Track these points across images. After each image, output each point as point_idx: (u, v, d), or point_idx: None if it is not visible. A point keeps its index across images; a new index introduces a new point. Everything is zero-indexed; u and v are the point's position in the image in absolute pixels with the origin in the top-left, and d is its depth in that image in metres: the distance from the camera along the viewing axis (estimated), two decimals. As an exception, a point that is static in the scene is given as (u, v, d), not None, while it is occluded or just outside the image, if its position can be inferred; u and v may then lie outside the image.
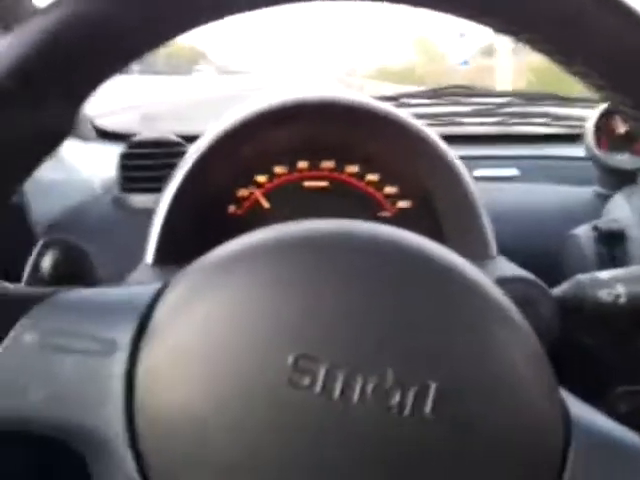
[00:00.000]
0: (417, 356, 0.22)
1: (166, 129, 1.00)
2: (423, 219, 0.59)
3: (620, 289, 0.39)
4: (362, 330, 0.22)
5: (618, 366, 0.41)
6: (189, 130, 0.99)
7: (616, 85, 0.24)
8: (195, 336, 0.23)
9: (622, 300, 0.39)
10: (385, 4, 0.25)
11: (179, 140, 0.74)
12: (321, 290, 0.23)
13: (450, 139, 1.14)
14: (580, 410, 0.24)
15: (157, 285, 0.25)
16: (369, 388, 0.21)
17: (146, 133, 0.83)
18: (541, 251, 0.67)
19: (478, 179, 0.95)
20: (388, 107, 0.57)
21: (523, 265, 0.56)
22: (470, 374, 0.22)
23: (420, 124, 0.56)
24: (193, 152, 0.56)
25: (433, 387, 0.22)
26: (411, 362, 0.22)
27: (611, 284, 0.40)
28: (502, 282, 0.43)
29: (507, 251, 0.59)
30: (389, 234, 0.26)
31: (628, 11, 0.23)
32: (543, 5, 0.23)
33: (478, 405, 0.22)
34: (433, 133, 0.56)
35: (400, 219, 0.60)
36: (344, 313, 0.22)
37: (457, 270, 0.24)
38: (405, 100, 1.10)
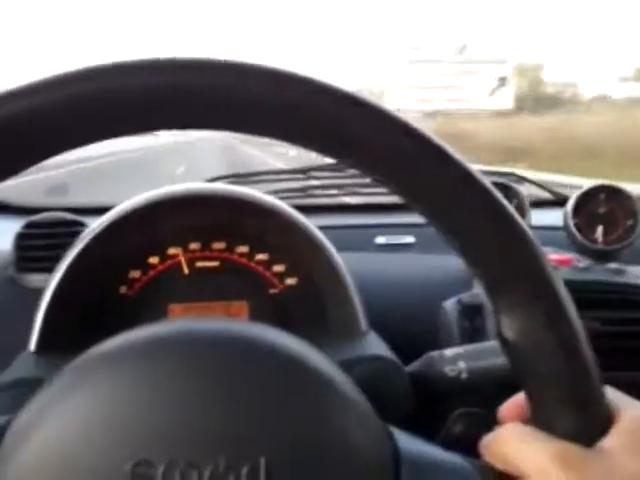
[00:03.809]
0: (243, 438, 0.25)
1: (71, 201, 1.01)
2: (308, 295, 0.63)
3: (462, 365, 0.45)
4: (192, 426, 0.25)
5: (457, 400, 0.46)
6: (94, 202, 1.01)
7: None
8: (35, 459, 0.25)
9: (464, 375, 0.44)
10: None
11: (76, 219, 0.76)
12: (151, 395, 0.25)
13: (352, 208, 1.22)
14: (408, 443, 0.29)
15: (2, 419, 0.27)
16: (205, 477, 0.24)
17: (48, 208, 0.84)
18: (421, 321, 0.72)
19: (378, 247, 1.03)
20: (269, 199, 0.61)
21: (405, 334, 0.61)
22: (294, 442, 0.25)
23: (299, 215, 0.61)
24: (86, 234, 0.59)
25: (262, 463, 0.24)
26: (239, 445, 0.25)
27: (454, 361, 0.45)
28: (359, 361, 0.48)
29: (394, 320, 0.64)
30: (215, 328, 0.29)
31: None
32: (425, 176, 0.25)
33: (308, 468, 0.25)
34: (309, 222, 0.61)
35: (288, 295, 0.64)
36: (173, 413, 0.25)
37: (275, 349, 0.28)
38: (311, 173, 1.17)
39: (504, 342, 0.27)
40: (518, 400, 0.31)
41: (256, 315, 0.62)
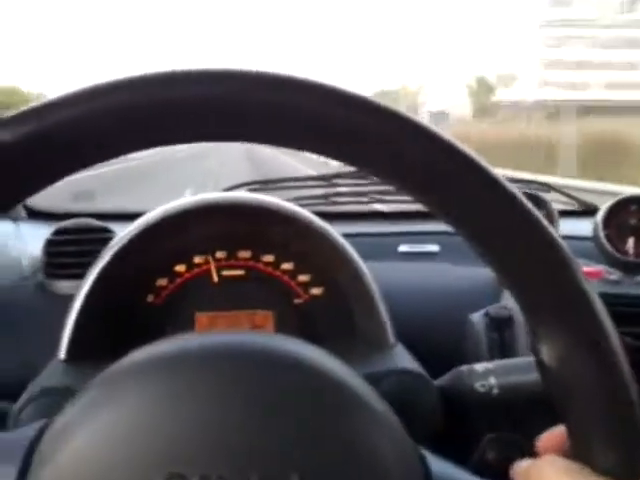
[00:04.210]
0: (277, 454, 0.25)
1: (98, 207, 1.02)
2: (334, 305, 0.62)
3: (492, 381, 0.44)
4: (223, 441, 0.25)
5: (487, 416, 0.45)
6: (121, 208, 1.02)
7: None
8: (71, 467, 0.25)
9: (495, 391, 0.44)
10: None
11: (104, 226, 0.77)
12: (181, 409, 0.25)
13: (376, 216, 1.22)
14: (440, 467, 0.28)
15: (37, 425, 0.28)
16: None
17: (76, 214, 0.85)
18: (446, 333, 0.71)
19: (401, 255, 1.02)
20: (294, 207, 0.61)
21: (430, 347, 0.60)
22: (328, 459, 0.25)
23: (324, 224, 0.61)
24: (115, 242, 0.59)
25: (296, 479, 0.24)
26: (271, 461, 0.25)
27: (485, 376, 0.44)
28: (388, 374, 0.47)
29: (418, 332, 0.63)
30: (247, 343, 0.28)
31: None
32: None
33: None
34: (333, 230, 0.61)
35: (313, 305, 0.63)
36: (204, 428, 0.25)
37: (300, 362, 0.27)
38: (334, 180, 1.17)
39: (542, 368, 0.26)
40: (557, 431, 0.31)
41: (281, 325, 0.62)
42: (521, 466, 0.28)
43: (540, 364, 0.26)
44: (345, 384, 0.28)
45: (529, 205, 0.25)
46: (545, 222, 0.25)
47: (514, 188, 0.25)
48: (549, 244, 0.25)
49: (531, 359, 0.46)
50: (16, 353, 0.69)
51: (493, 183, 0.25)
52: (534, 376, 0.43)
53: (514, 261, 0.25)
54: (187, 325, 0.61)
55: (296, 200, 0.92)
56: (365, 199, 1.15)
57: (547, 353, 0.25)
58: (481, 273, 0.88)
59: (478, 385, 0.44)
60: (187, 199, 0.61)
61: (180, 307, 0.61)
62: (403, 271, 0.94)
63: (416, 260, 1.00)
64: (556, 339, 0.25)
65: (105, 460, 0.25)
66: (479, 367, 0.45)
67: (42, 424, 0.28)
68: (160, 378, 0.26)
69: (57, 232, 0.75)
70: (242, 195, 0.65)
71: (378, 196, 1.15)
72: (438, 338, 0.72)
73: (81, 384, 0.28)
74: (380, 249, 0.98)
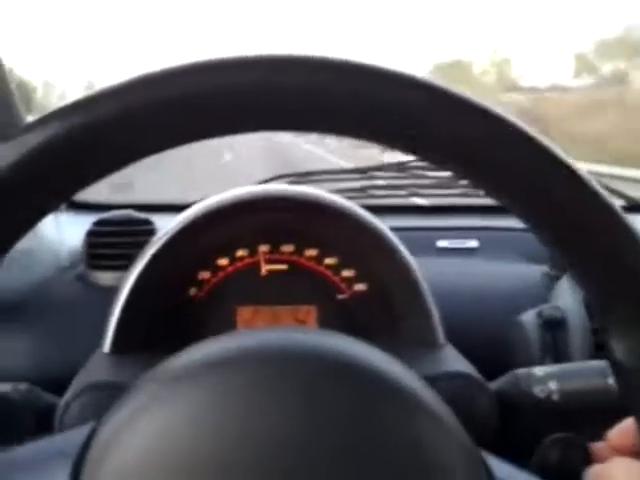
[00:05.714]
0: (344, 462, 0.23)
1: (139, 198, 1.02)
2: (378, 302, 0.61)
3: (553, 386, 0.42)
4: (285, 449, 0.23)
5: (546, 423, 0.43)
6: (161, 199, 1.02)
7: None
8: (122, 477, 0.23)
9: (555, 397, 0.42)
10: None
11: (145, 218, 0.77)
12: (244, 413, 0.24)
13: (414, 210, 1.19)
14: (504, 472, 0.27)
15: (88, 427, 0.26)
16: None
17: (117, 205, 0.85)
18: (491, 335, 0.69)
19: (439, 250, 1.00)
20: (339, 199, 0.60)
21: (473, 349, 0.58)
22: (390, 468, 0.24)
23: (371, 217, 0.59)
24: (161, 235, 0.59)
25: None
26: (339, 470, 0.23)
27: (545, 381, 0.42)
28: (441, 378, 0.45)
29: (459, 333, 0.61)
30: (307, 345, 0.27)
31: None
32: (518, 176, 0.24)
33: None
34: (383, 225, 0.59)
35: (357, 301, 0.62)
36: (263, 436, 0.23)
37: (382, 376, 0.26)
38: (372, 173, 1.14)
39: (615, 367, 0.24)
40: (628, 428, 0.29)
41: (324, 321, 0.61)
42: (593, 471, 0.27)
43: (612, 362, 0.24)
44: (408, 388, 0.26)
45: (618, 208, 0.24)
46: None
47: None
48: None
49: (594, 363, 0.43)
50: (58, 345, 0.69)
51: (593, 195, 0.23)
52: (599, 382, 0.41)
53: (593, 257, 0.24)
54: (229, 319, 0.61)
55: (333, 193, 0.90)
56: (403, 192, 1.13)
57: (620, 349, 0.23)
58: (522, 270, 0.85)
59: (537, 390, 0.42)
60: (230, 192, 0.60)
61: (222, 301, 0.61)
62: (442, 267, 0.91)
63: (455, 256, 0.97)
64: (631, 331, 0.23)
65: (161, 466, 0.23)
66: (538, 370, 0.43)
67: (91, 427, 0.27)
68: (220, 379, 0.25)
69: (99, 223, 0.75)
70: (286, 187, 0.64)
71: (416, 189, 1.12)
72: (481, 339, 0.69)
73: (126, 379, 0.27)
74: (418, 244, 0.96)
